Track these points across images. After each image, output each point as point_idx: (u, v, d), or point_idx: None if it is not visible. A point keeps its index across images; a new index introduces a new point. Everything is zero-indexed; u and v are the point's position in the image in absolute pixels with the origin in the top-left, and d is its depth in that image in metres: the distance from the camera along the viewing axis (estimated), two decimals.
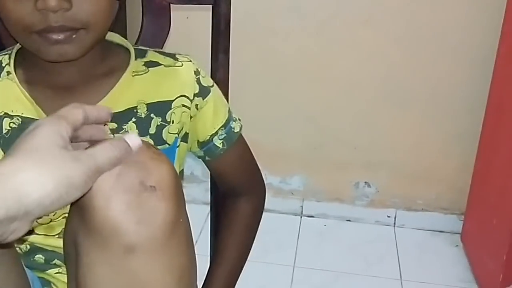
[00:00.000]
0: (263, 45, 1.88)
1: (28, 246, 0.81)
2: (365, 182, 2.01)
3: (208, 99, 0.83)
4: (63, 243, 0.68)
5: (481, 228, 1.73)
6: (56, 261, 0.81)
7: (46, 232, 0.80)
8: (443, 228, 1.99)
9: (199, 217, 1.77)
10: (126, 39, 0.84)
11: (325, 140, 1.97)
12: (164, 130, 0.80)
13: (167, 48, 0.92)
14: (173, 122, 0.80)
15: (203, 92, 0.82)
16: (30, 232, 0.79)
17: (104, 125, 0.63)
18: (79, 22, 0.69)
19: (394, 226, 2.03)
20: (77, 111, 0.57)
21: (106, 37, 0.80)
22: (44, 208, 0.49)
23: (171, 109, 0.79)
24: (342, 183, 2.02)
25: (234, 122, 0.88)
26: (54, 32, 0.68)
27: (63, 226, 0.68)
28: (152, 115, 0.79)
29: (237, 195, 0.93)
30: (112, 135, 0.76)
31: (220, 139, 0.86)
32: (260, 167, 0.95)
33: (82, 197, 0.54)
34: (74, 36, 0.70)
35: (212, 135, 0.85)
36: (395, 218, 2.03)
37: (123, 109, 0.77)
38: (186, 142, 0.84)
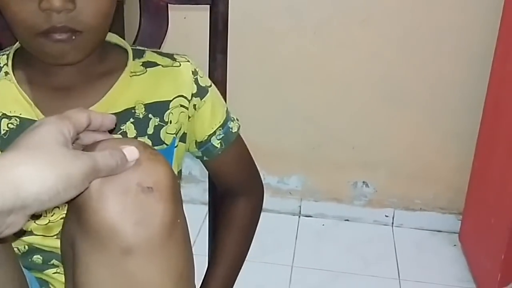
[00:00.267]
0: (261, 45, 1.88)
1: (26, 247, 0.81)
2: (363, 182, 2.01)
3: (206, 99, 0.83)
4: (60, 244, 0.68)
5: (479, 227, 1.73)
6: (54, 262, 0.81)
7: (44, 233, 0.79)
8: (441, 227, 2.00)
9: (197, 217, 1.76)
10: (124, 39, 0.84)
11: (323, 140, 1.97)
12: (162, 130, 0.80)
13: (165, 48, 0.92)
14: (171, 122, 0.80)
15: (201, 92, 0.82)
16: (25, 232, 0.79)
17: (110, 133, 0.63)
18: (81, 24, 0.69)
19: (392, 226, 2.03)
20: (82, 114, 0.57)
21: None
22: (41, 203, 0.49)
23: (169, 109, 0.79)
24: (340, 183, 2.02)
25: (232, 122, 0.88)
26: (57, 33, 0.69)
27: (61, 227, 0.68)
28: (150, 115, 0.79)
29: (235, 195, 0.93)
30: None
31: (218, 139, 0.86)
32: (258, 167, 0.95)
33: (77, 196, 0.54)
34: (74, 37, 0.70)
35: (210, 135, 0.85)
36: (393, 217, 2.03)
37: (121, 109, 0.77)
38: (184, 142, 0.84)
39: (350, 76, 1.88)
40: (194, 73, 0.82)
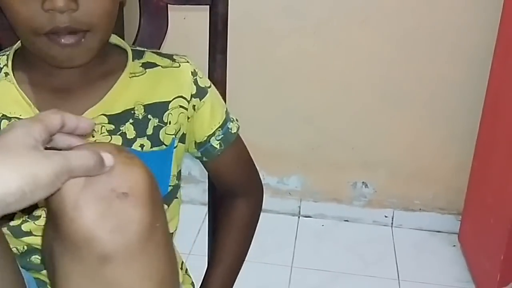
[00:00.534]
0: (260, 45, 1.88)
1: (25, 247, 0.81)
2: (363, 182, 2.01)
3: (205, 100, 0.83)
4: (41, 252, 0.66)
5: (479, 228, 1.73)
6: None
7: (43, 234, 0.79)
8: (440, 228, 2.00)
9: (197, 218, 1.76)
10: (124, 39, 0.84)
11: (323, 141, 1.97)
12: (161, 131, 0.79)
13: (164, 48, 0.92)
14: (170, 123, 0.80)
15: (200, 93, 0.82)
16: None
17: (90, 137, 0.62)
18: (85, 24, 0.69)
19: (391, 226, 2.03)
20: (55, 116, 0.56)
21: None
22: (7, 205, 0.48)
23: (168, 110, 0.79)
24: (340, 184, 2.02)
25: (231, 123, 0.88)
26: (62, 34, 0.69)
27: (41, 235, 0.67)
28: (149, 116, 0.79)
29: (235, 195, 0.93)
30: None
31: (217, 140, 0.86)
32: (257, 168, 0.95)
33: (52, 200, 0.53)
34: (83, 40, 0.70)
35: (209, 136, 0.85)
36: (392, 218, 2.03)
37: (121, 110, 0.77)
38: (184, 143, 0.84)
39: (350, 76, 1.88)
40: (194, 73, 0.82)
